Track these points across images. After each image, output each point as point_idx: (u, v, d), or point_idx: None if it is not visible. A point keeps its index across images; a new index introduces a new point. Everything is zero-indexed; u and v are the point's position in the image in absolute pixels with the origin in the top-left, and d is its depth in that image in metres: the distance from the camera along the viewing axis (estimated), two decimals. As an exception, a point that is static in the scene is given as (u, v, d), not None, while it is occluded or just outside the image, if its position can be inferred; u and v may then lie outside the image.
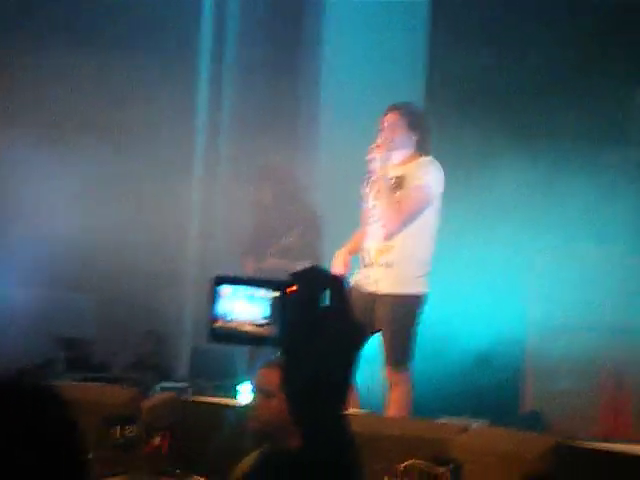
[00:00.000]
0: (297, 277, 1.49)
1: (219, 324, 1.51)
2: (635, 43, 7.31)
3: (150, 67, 7.81)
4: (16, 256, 7.40)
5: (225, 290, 1.53)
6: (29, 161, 7.40)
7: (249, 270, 6.86)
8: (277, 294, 1.51)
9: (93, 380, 6.53)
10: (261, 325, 1.50)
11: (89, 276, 7.82)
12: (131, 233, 7.54)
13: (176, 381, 7.05)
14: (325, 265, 5.81)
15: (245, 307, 1.52)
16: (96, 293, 7.94)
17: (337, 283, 1.48)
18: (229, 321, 1.52)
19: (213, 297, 1.50)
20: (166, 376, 7.19)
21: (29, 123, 7.61)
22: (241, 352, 7.09)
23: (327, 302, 1.48)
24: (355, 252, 5.63)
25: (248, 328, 1.50)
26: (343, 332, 1.46)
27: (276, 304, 1.49)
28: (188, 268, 7.50)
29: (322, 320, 1.47)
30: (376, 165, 5.48)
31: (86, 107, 7.76)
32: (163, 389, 6.12)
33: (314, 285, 1.48)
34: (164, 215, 7.51)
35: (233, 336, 1.50)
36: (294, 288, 1.50)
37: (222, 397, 5.77)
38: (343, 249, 5.65)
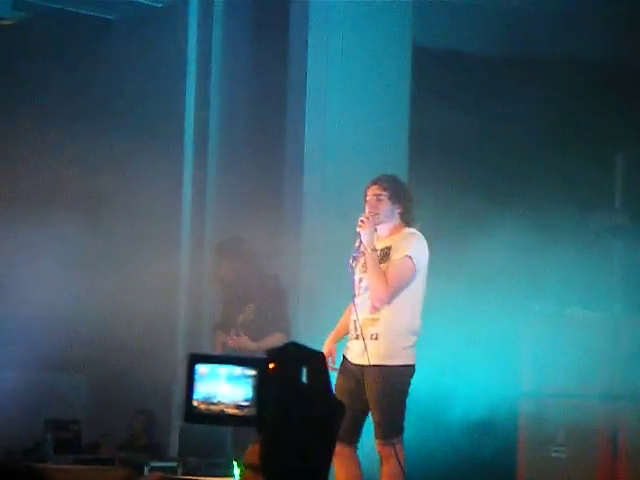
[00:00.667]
0: (275, 354, 1.47)
1: (202, 406, 1.48)
2: (616, 109, 7.38)
3: (134, 139, 7.83)
4: (1, 338, 7.34)
5: (202, 369, 1.50)
6: (8, 238, 7.36)
7: (219, 346, 6.84)
8: (254, 372, 1.48)
9: (83, 462, 6.44)
10: (244, 407, 1.47)
11: (77, 357, 7.76)
12: (118, 311, 7.49)
13: (166, 460, 6.97)
14: (302, 339, 5.78)
15: (227, 388, 1.49)
16: (84, 374, 7.87)
17: (315, 360, 1.45)
18: (213, 403, 1.48)
19: (190, 376, 1.47)
20: (156, 455, 7.11)
21: (6, 197, 7.59)
22: (230, 429, 7.00)
23: (305, 379, 1.45)
24: (340, 339, 5.64)
25: (232, 411, 1.46)
26: (321, 410, 1.43)
27: (254, 383, 1.47)
28: (177, 346, 7.45)
29: (300, 398, 1.44)
30: (361, 238, 5.50)
31: (68, 180, 7.76)
32: (153, 469, 6.04)
33: (292, 362, 1.46)
34: (151, 292, 7.47)
35: (212, 417, 1.47)
36: (272, 366, 1.47)
37: (214, 475, 5.69)
38: (328, 338, 5.64)
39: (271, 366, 1.47)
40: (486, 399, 6.62)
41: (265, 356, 1.46)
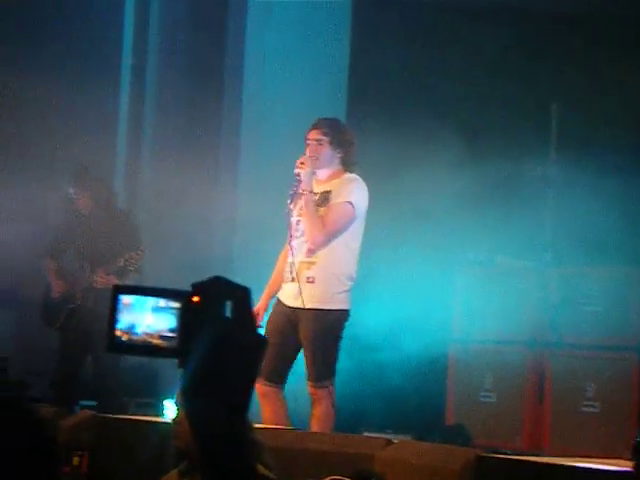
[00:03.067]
0: (199, 288, 1.47)
1: (125, 336, 1.48)
2: (553, 58, 7.40)
3: (71, 79, 7.72)
4: None
5: (125, 300, 1.50)
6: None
7: (50, 272, 6.83)
8: (178, 304, 1.48)
9: (12, 400, 6.38)
10: (168, 338, 1.47)
11: (5, 292, 7.64)
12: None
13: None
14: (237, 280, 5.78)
15: (151, 319, 1.49)
16: (14, 310, 7.77)
17: (240, 295, 1.46)
18: (136, 333, 1.48)
19: (113, 307, 1.47)
20: (87, 394, 7.09)
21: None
22: (164, 368, 7.00)
23: (229, 314, 1.46)
24: (275, 293, 5.63)
25: (155, 341, 1.47)
26: (243, 345, 1.44)
27: (180, 314, 1.47)
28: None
29: (223, 332, 1.45)
30: (301, 181, 5.48)
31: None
32: (83, 407, 6.03)
33: (216, 296, 1.46)
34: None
35: (135, 347, 1.47)
36: (196, 299, 1.47)
37: (145, 414, 5.70)
38: (263, 294, 5.62)
39: (195, 299, 1.47)
40: (418, 344, 6.70)
41: (190, 289, 1.47)
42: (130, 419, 5.38)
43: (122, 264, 6.58)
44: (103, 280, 6.65)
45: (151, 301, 1.46)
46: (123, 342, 1.45)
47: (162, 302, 1.46)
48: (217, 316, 1.42)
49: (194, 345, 1.42)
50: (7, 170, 7.50)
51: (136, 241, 6.72)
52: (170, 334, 1.45)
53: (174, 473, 3.49)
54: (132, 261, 6.56)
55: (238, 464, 1.36)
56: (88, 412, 5.43)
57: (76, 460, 5.04)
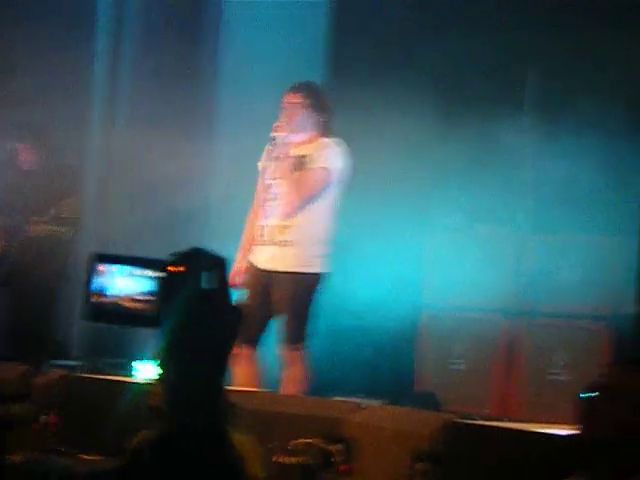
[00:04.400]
0: (179, 257, 1.46)
1: (97, 300, 1.46)
2: (530, 23, 7.37)
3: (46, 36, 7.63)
4: None
5: (103, 268, 1.48)
6: None
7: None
8: (158, 274, 1.47)
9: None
10: (140, 301, 1.46)
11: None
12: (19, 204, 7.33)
13: (68, 359, 6.95)
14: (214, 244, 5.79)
15: (125, 284, 1.48)
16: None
17: (218, 266, 1.45)
18: (109, 297, 1.47)
19: (90, 274, 1.46)
20: (58, 354, 7.08)
21: None
22: (134, 329, 6.96)
23: (208, 284, 1.45)
24: (250, 252, 5.60)
25: (128, 304, 1.46)
26: (220, 315, 1.44)
27: (158, 284, 1.46)
28: (80, 244, 7.32)
29: (201, 301, 1.44)
30: (277, 144, 5.46)
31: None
32: (54, 366, 6.03)
33: (194, 267, 1.45)
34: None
35: (111, 313, 1.46)
36: (175, 268, 1.46)
37: (115, 375, 5.71)
38: (240, 255, 5.59)
39: (174, 269, 1.46)
40: (391, 309, 6.73)
41: (169, 259, 1.46)
42: (100, 379, 5.38)
43: (54, 212, 6.49)
44: (34, 228, 6.57)
45: (128, 269, 1.45)
46: (98, 309, 1.43)
47: (139, 271, 1.45)
48: (195, 286, 1.42)
49: (172, 313, 1.42)
50: None
51: (71, 190, 6.63)
52: (142, 297, 1.44)
53: (147, 432, 3.48)
54: (65, 208, 6.46)
55: (211, 429, 1.36)
56: (59, 371, 5.42)
57: (45, 418, 5.04)
